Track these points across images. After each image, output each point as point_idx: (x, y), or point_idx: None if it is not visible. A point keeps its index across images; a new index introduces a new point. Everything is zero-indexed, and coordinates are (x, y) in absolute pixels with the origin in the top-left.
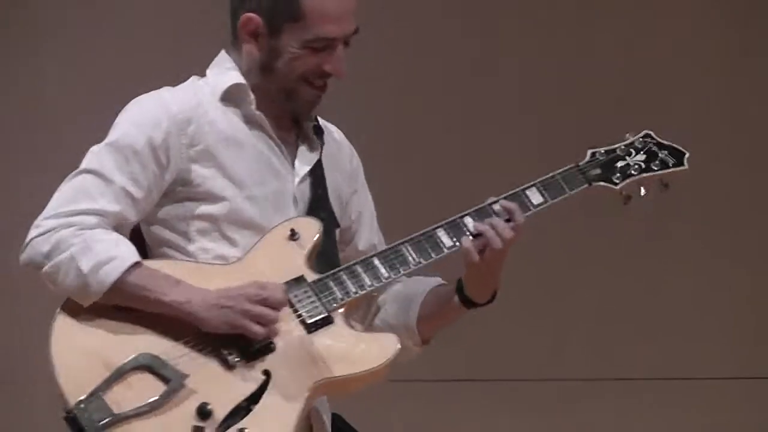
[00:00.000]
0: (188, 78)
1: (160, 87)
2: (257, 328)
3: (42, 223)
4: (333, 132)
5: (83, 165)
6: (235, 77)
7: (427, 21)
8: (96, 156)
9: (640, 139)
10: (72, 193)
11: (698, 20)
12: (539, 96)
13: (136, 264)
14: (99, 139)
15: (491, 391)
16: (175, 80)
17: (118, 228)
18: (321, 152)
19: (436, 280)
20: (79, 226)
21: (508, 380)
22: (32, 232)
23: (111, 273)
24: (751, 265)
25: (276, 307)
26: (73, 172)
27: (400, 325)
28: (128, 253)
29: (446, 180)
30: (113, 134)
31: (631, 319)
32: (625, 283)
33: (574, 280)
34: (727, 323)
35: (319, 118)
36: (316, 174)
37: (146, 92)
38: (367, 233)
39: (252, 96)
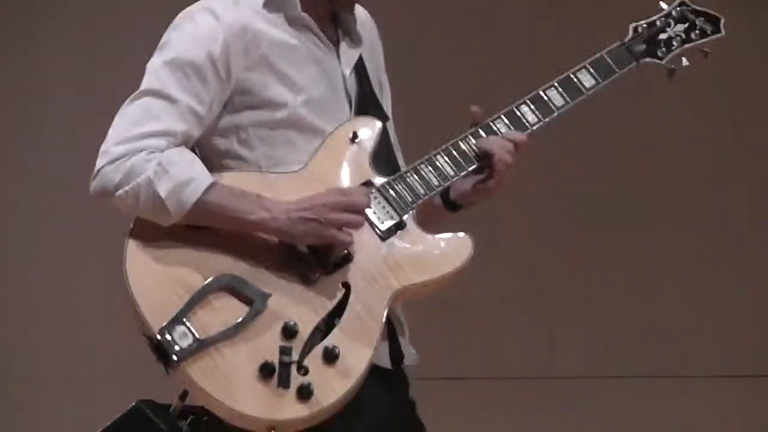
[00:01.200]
0: None
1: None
2: (344, 237)
3: (110, 149)
4: (362, 17)
5: (144, 85)
6: None
7: None
8: (156, 75)
9: (677, 9)
10: (137, 116)
11: None
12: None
13: (213, 184)
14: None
15: (482, 389)
16: None
17: (185, 144)
18: (361, 47)
19: None
20: (149, 150)
21: (499, 378)
22: (101, 160)
23: (191, 195)
24: (745, 263)
25: (360, 211)
26: (134, 94)
27: None
28: (204, 173)
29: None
30: (170, 51)
31: (624, 317)
32: (618, 280)
33: (566, 277)
34: (723, 322)
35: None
36: (360, 69)
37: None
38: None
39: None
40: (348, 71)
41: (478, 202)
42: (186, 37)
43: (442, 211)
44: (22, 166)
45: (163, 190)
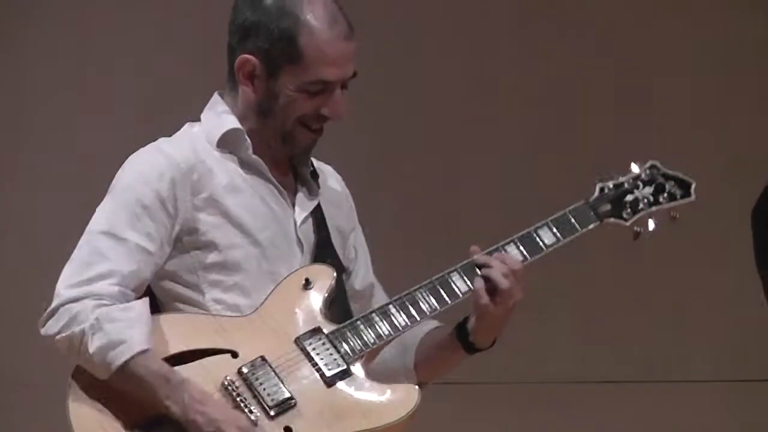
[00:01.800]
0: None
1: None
2: None
3: (61, 292)
4: (327, 172)
5: (93, 226)
6: (231, 122)
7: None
8: (105, 215)
9: (647, 171)
10: (86, 257)
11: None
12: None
13: (144, 351)
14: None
15: (471, 394)
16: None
17: (137, 287)
18: (319, 195)
19: (433, 323)
20: (98, 296)
21: (488, 383)
22: (53, 303)
23: (116, 358)
24: (740, 266)
25: None
26: (84, 234)
27: (400, 368)
28: (137, 337)
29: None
30: (118, 191)
31: (615, 321)
32: (609, 284)
33: (556, 280)
34: (715, 326)
35: (313, 160)
36: (317, 217)
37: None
38: (363, 271)
39: (248, 141)
40: (300, 219)
41: (490, 336)
42: (134, 176)
43: (455, 354)
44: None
45: (93, 346)
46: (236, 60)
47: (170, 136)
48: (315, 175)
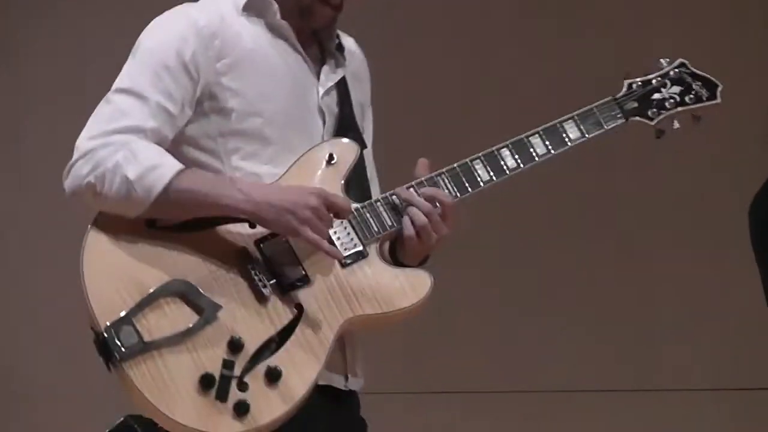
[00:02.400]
0: None
1: None
2: (313, 236)
3: (81, 144)
4: (350, 44)
5: (116, 85)
6: None
7: None
8: (128, 75)
9: (675, 69)
10: (107, 114)
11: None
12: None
13: (183, 170)
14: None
15: (464, 403)
16: None
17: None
18: (344, 67)
19: None
20: (119, 143)
21: (482, 392)
22: (73, 157)
23: (160, 178)
24: (732, 275)
25: (340, 215)
26: (107, 94)
27: None
28: (174, 161)
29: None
30: (141, 51)
31: (608, 331)
32: (602, 294)
33: (550, 291)
34: (709, 335)
35: (340, 33)
36: (341, 90)
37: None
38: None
39: (276, 5)
40: (324, 89)
41: (416, 259)
42: (157, 38)
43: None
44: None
45: (131, 173)
46: None
47: None
48: (341, 47)
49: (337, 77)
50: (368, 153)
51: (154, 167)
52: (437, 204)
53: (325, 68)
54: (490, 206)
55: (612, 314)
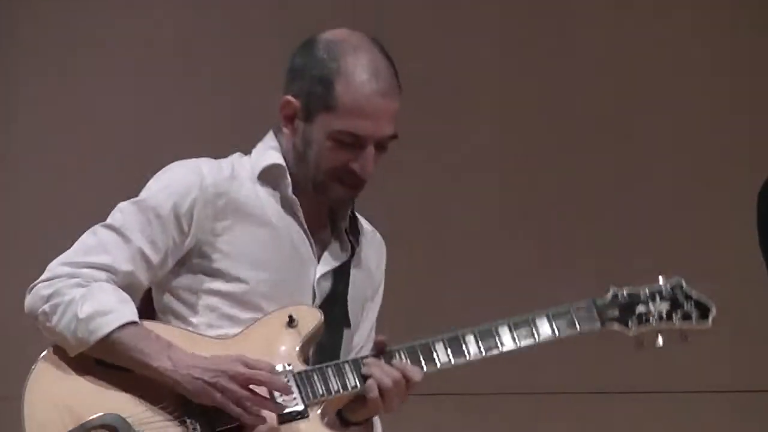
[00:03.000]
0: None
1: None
2: (234, 409)
3: (53, 267)
4: (369, 233)
5: (108, 220)
6: (275, 157)
7: None
8: (121, 213)
9: (669, 288)
10: (89, 246)
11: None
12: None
13: (133, 323)
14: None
15: (463, 405)
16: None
17: (127, 288)
18: (352, 254)
19: None
20: (86, 279)
21: (480, 394)
22: (41, 277)
23: (105, 325)
24: (746, 275)
25: (260, 383)
26: (97, 225)
27: None
28: (128, 311)
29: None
30: (142, 194)
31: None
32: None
33: (548, 292)
34: (712, 335)
35: (359, 217)
36: (341, 272)
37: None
38: (360, 332)
39: (289, 179)
40: (321, 273)
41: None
42: (162, 184)
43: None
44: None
45: (82, 312)
46: (281, 100)
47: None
48: (356, 231)
49: (338, 262)
50: (370, 334)
51: (104, 312)
52: (406, 378)
53: (328, 251)
54: (490, 209)
55: None
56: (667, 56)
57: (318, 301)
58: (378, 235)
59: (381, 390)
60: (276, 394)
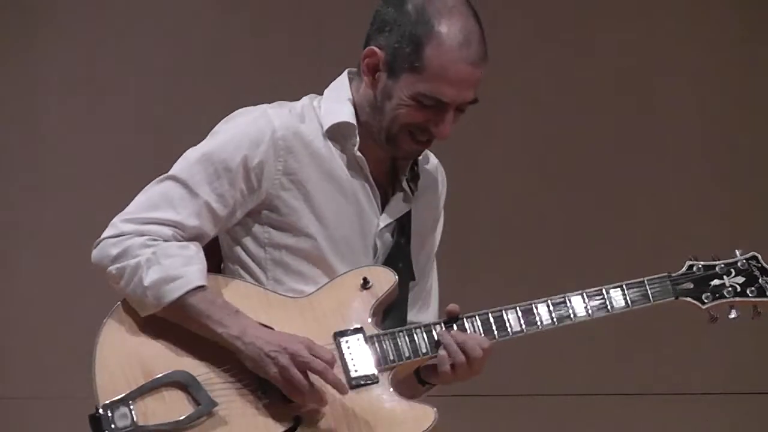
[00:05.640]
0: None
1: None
2: (288, 389)
3: (118, 224)
4: (430, 169)
5: (173, 170)
6: (347, 114)
7: None
8: (187, 164)
9: (744, 261)
10: (155, 199)
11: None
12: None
13: (200, 287)
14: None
15: (490, 407)
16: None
17: (194, 239)
18: (413, 202)
19: None
20: (153, 236)
21: (504, 396)
22: (106, 232)
23: (172, 292)
24: None
25: (315, 372)
26: (162, 176)
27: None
28: (195, 274)
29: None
30: (210, 144)
31: (628, 334)
32: None
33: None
34: (730, 338)
35: (418, 158)
36: (402, 223)
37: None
38: (418, 266)
39: (357, 138)
40: (384, 223)
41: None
42: (231, 134)
43: (416, 383)
44: (20, 178)
45: (148, 279)
46: (366, 47)
47: (188, 134)
48: (416, 177)
49: (401, 212)
50: (423, 284)
51: (171, 279)
52: (479, 349)
53: (392, 201)
54: (509, 212)
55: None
56: (697, 55)
57: (380, 252)
58: (440, 167)
59: (453, 362)
60: (349, 358)
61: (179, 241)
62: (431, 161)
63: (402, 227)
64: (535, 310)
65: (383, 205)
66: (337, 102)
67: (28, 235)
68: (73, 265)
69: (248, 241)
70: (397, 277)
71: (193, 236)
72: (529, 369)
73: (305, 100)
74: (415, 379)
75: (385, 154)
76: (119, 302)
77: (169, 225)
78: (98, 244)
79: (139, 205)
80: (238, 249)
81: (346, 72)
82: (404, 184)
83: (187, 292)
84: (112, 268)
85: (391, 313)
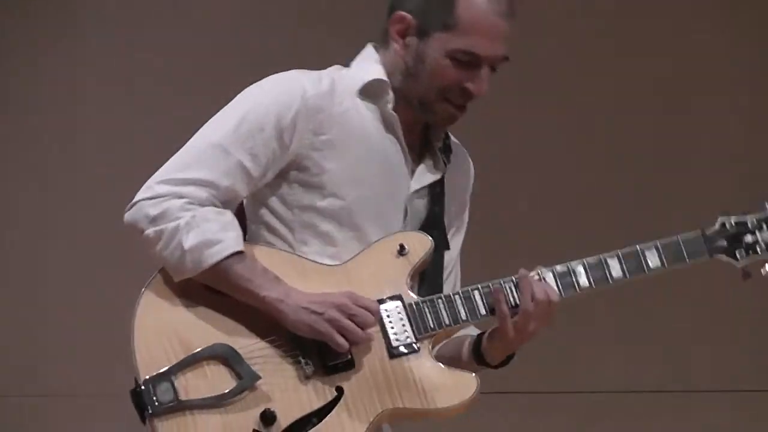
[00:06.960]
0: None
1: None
2: (340, 340)
3: (153, 186)
4: (462, 155)
5: (206, 130)
6: (378, 72)
7: None
8: (221, 124)
9: None
10: (188, 159)
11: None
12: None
13: (239, 252)
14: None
15: (521, 404)
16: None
17: (228, 202)
18: (445, 172)
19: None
20: (190, 199)
21: (540, 393)
22: (142, 193)
23: (211, 256)
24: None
25: (363, 325)
26: (195, 137)
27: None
28: (234, 240)
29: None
30: (243, 104)
31: (662, 332)
32: (656, 294)
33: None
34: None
35: (451, 136)
36: (435, 191)
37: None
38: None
39: (391, 95)
40: (414, 188)
41: (499, 356)
42: (263, 96)
43: (470, 361)
44: (51, 174)
45: (188, 242)
46: (392, 15)
47: None
48: (448, 149)
49: (431, 178)
50: (452, 254)
51: (210, 243)
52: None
53: (422, 167)
54: (542, 210)
55: (664, 317)
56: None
57: (412, 219)
58: (468, 156)
59: (526, 308)
60: (389, 327)
61: (215, 205)
62: (461, 149)
63: (434, 197)
64: (570, 269)
65: (415, 169)
66: (367, 65)
67: (62, 229)
68: (108, 262)
69: (275, 203)
70: (432, 242)
71: (226, 197)
72: (566, 366)
73: (331, 68)
74: (472, 356)
75: (417, 120)
76: (151, 278)
77: (203, 185)
78: (133, 205)
79: (173, 165)
80: (265, 211)
81: (369, 44)
82: (438, 152)
83: (227, 257)
84: (150, 231)
85: (423, 280)
